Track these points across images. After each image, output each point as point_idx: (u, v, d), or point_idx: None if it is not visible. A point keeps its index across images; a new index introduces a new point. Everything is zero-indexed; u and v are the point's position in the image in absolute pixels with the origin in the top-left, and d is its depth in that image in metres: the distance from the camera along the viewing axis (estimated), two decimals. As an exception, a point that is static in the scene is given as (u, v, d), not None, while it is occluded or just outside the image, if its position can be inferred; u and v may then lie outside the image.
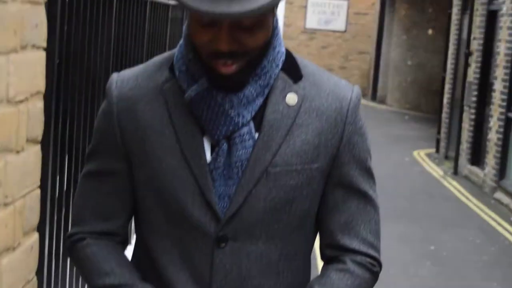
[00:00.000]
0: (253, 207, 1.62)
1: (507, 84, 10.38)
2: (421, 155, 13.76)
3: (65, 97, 2.95)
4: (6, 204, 1.94)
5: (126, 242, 1.78)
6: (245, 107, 1.61)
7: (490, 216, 9.45)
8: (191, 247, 1.64)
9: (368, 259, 1.71)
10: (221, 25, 1.53)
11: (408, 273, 6.97)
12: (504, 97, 10.45)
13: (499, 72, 10.67)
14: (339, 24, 24.33)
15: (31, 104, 2.05)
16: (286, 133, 1.63)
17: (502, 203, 10.03)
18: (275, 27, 1.65)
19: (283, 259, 1.68)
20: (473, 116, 12.01)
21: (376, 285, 1.79)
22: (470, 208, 9.88)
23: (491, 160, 10.73)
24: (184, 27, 1.66)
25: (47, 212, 2.47)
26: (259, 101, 1.63)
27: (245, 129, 1.62)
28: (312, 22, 24.28)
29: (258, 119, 1.63)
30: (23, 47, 1.97)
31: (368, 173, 1.71)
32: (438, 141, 14.04)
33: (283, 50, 1.68)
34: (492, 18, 11.67)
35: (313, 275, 1.77)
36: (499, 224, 9.09)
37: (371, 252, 1.71)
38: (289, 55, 1.69)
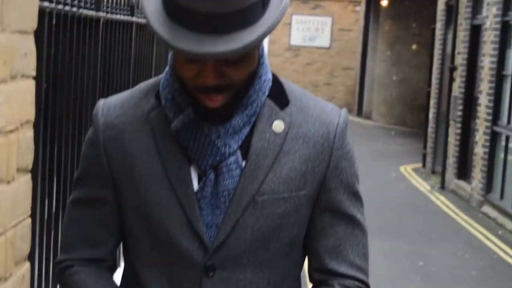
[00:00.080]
0: (241, 236, 1.62)
1: (492, 98, 10.43)
2: (408, 170, 13.80)
3: (53, 122, 2.94)
4: (-3, 235, 1.93)
5: (114, 267, 1.77)
6: (232, 137, 1.61)
7: (478, 230, 9.47)
8: (179, 276, 1.64)
9: (356, 283, 1.71)
10: (207, 61, 1.53)
11: (397, 290, 6.97)
12: (490, 111, 10.51)
13: (484, 86, 10.73)
14: (324, 40, 24.43)
15: (21, 133, 2.04)
16: (273, 161, 1.63)
17: (489, 217, 10.06)
18: (261, 56, 1.65)
19: (271, 285, 1.67)
20: (459, 131, 12.06)
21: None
22: (458, 223, 9.90)
23: (477, 174, 10.77)
24: (170, 55, 1.66)
25: (36, 240, 2.46)
26: (246, 130, 1.62)
27: (232, 159, 1.61)
28: (296, 39, 24.37)
29: (245, 147, 1.63)
30: (13, 77, 1.97)
31: (356, 197, 1.70)
32: (424, 156, 14.08)
33: (270, 76, 1.67)
34: (475, 32, 11.75)
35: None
36: (487, 238, 9.11)
37: (359, 275, 1.71)
38: (275, 81, 1.69)
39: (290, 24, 23.93)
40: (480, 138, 10.78)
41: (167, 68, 1.67)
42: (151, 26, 1.50)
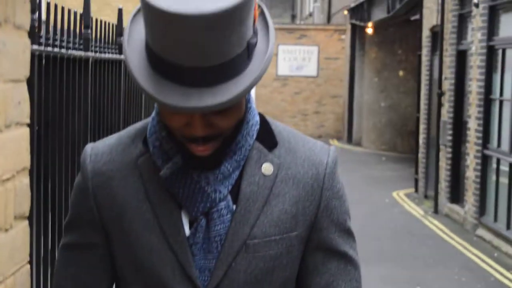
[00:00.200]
0: (234, 280, 1.61)
1: (481, 122, 10.49)
2: (400, 195, 13.81)
3: (45, 165, 2.94)
4: (-4, 284, 1.92)
5: None
6: (222, 182, 1.60)
7: (473, 253, 9.47)
8: None
9: None
10: (194, 113, 1.51)
11: (396, 317, 6.95)
12: (479, 134, 10.56)
13: (473, 111, 10.79)
14: (311, 69, 24.56)
15: (17, 180, 2.05)
16: (264, 204, 1.62)
17: (484, 240, 10.06)
18: (248, 101, 1.65)
19: None
20: (449, 155, 12.10)
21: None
22: (453, 246, 9.90)
23: (470, 197, 10.79)
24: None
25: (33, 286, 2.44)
26: (235, 174, 1.62)
27: (222, 204, 1.60)
28: (283, 69, 24.49)
29: (235, 190, 1.62)
30: (7, 126, 1.97)
31: (348, 233, 1.70)
32: (416, 181, 14.11)
33: (257, 119, 1.66)
34: (461, 57, 11.85)
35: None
36: (483, 261, 9.11)
37: None
38: (262, 123, 1.68)
39: (276, 54, 24.06)
40: (471, 161, 10.82)
41: (153, 114, 1.65)
42: (136, 80, 1.48)
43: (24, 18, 2.09)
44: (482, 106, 10.47)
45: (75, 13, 3.62)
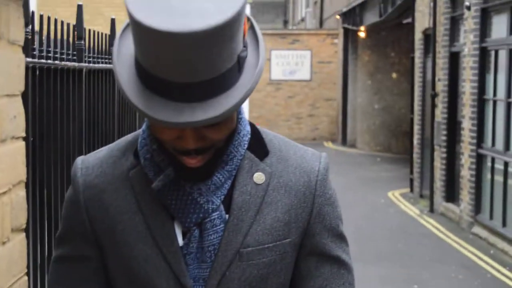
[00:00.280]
0: None
1: (475, 122, 10.54)
2: (396, 195, 13.84)
3: (41, 174, 2.96)
4: (-5, 296, 1.92)
5: None
6: (214, 193, 1.61)
7: (470, 251, 9.50)
8: None
9: None
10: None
11: (394, 317, 6.97)
12: (473, 134, 10.61)
13: (466, 111, 10.84)
14: (304, 73, 24.57)
15: (14, 194, 2.06)
16: (256, 212, 1.63)
17: (480, 237, 10.10)
18: (239, 112, 1.65)
19: None
20: (444, 155, 12.15)
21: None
22: (450, 245, 9.93)
23: (465, 196, 10.83)
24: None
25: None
26: (228, 184, 1.62)
27: (215, 214, 1.61)
28: (277, 73, 24.50)
29: (227, 200, 1.63)
30: (3, 140, 1.99)
31: (340, 238, 1.71)
32: (411, 181, 14.14)
33: (248, 129, 1.66)
34: (454, 59, 11.91)
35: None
36: (480, 258, 9.15)
37: None
38: (253, 132, 1.68)
39: (269, 59, 24.06)
40: (466, 161, 10.86)
41: (143, 127, 1.65)
42: (127, 96, 1.48)
43: (19, 34, 2.11)
44: (476, 107, 10.53)
45: (68, 25, 3.65)
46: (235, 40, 1.47)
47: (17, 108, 2.07)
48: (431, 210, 12.27)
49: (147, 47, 1.45)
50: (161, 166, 1.61)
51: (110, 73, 4.71)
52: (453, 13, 11.94)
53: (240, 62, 1.50)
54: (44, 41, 3.25)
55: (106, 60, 4.57)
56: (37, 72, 3.03)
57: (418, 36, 13.92)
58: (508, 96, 9.68)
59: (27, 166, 2.39)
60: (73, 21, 3.86)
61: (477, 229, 10.38)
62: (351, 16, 21.17)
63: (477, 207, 10.55)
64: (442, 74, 12.20)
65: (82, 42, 3.83)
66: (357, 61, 21.90)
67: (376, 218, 11.60)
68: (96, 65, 4.20)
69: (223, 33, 1.43)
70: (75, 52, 3.73)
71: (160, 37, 1.41)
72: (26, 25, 2.63)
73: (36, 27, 3.18)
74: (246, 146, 1.65)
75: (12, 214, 2.04)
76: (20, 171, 2.11)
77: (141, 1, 1.45)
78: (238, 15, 1.44)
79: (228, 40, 1.45)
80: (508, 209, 9.56)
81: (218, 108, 1.46)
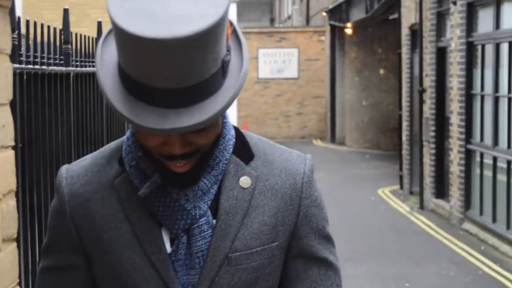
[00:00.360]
0: None
1: (463, 117, 10.57)
2: (385, 192, 13.87)
3: (30, 182, 2.95)
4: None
5: None
6: (201, 198, 1.60)
7: (460, 248, 9.53)
8: None
9: None
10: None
11: (387, 315, 6.98)
12: (462, 130, 10.63)
13: (454, 106, 10.86)
14: (292, 71, 24.60)
15: (4, 203, 2.05)
16: (243, 217, 1.63)
17: (470, 233, 10.13)
18: (224, 116, 1.64)
19: None
20: (433, 151, 12.17)
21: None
22: (440, 241, 9.96)
23: (455, 192, 10.86)
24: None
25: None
26: (214, 189, 1.62)
27: (203, 220, 1.61)
28: (264, 72, 24.52)
29: (214, 205, 1.63)
30: (-8, 150, 1.98)
31: (327, 239, 1.71)
32: (401, 178, 14.17)
33: (233, 133, 1.66)
34: (441, 54, 11.93)
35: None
36: (470, 254, 9.17)
37: None
38: (238, 136, 1.68)
39: (257, 58, 24.08)
40: (455, 157, 10.89)
41: (128, 134, 1.65)
42: (111, 104, 1.47)
43: (5, 42, 2.09)
44: (464, 102, 10.55)
45: (55, 29, 3.63)
46: (218, 44, 1.47)
47: (6, 117, 2.06)
48: (421, 206, 12.30)
49: (130, 54, 1.44)
50: (147, 173, 1.60)
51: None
52: (439, 8, 11.97)
53: (224, 67, 1.50)
54: (31, 46, 3.22)
55: (94, 64, 4.54)
56: (25, 78, 3.01)
57: (404, 32, 13.94)
58: (496, 90, 9.71)
59: (16, 174, 2.38)
60: (59, 24, 3.83)
61: (467, 225, 10.41)
62: (337, 13, 21.19)
63: (467, 203, 10.58)
64: (429, 70, 12.23)
65: (69, 46, 3.81)
66: (344, 58, 21.93)
67: (366, 216, 11.61)
68: (84, 68, 4.18)
69: (206, 39, 1.43)
70: (62, 57, 3.71)
71: (144, 43, 1.40)
72: (13, 31, 2.62)
73: (23, 31, 3.16)
74: (231, 150, 1.65)
75: (3, 224, 2.03)
76: (10, 180, 2.10)
77: (124, 8, 1.44)
78: (222, 20, 1.44)
79: (212, 45, 1.45)
80: (498, 205, 9.59)
81: (203, 113, 1.46)
